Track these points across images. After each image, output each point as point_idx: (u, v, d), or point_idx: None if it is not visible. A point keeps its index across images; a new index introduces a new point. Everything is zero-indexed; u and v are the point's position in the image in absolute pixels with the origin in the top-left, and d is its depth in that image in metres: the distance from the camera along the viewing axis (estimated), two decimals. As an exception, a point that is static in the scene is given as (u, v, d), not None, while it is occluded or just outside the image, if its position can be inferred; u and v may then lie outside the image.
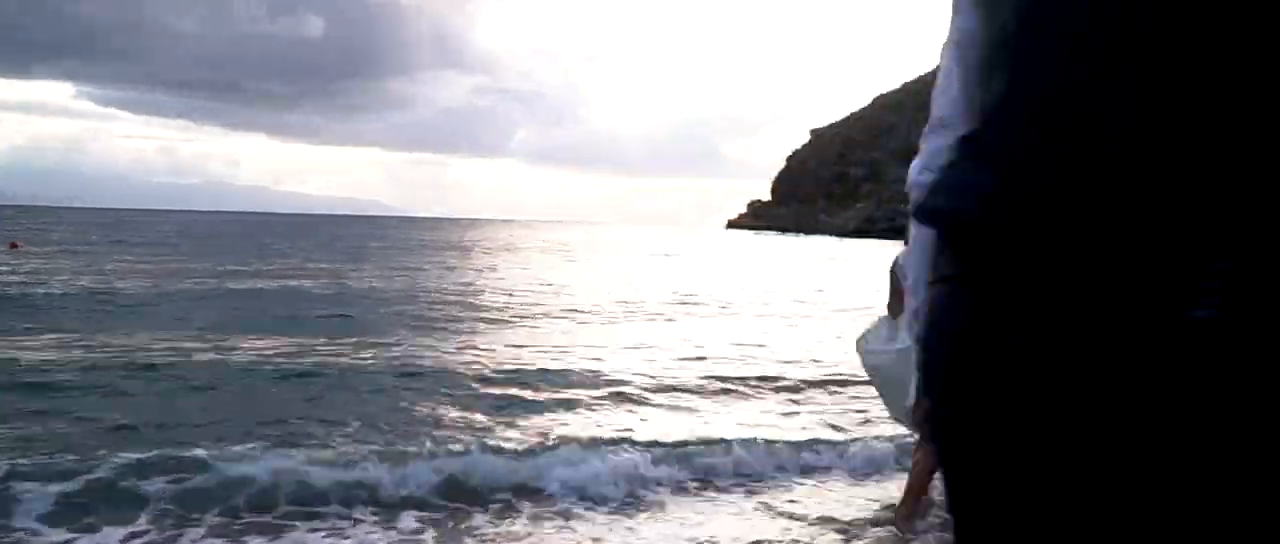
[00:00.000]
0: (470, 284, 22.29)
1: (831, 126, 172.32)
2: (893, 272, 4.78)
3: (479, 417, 7.27)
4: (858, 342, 4.93)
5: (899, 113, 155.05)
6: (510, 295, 19.01)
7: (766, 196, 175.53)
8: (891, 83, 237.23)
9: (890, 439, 6.24)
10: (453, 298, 18.17)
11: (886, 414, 5.20)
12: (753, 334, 13.44)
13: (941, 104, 1.32)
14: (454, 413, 7.33)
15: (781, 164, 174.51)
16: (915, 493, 4.71)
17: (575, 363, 10.11)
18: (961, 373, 1.11)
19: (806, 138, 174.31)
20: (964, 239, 1.11)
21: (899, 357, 4.35)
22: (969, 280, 1.10)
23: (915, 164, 1.31)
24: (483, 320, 14.49)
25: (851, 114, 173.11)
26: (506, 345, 11.69)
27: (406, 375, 8.88)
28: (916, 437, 4.83)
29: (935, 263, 1.22)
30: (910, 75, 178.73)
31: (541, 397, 8.15)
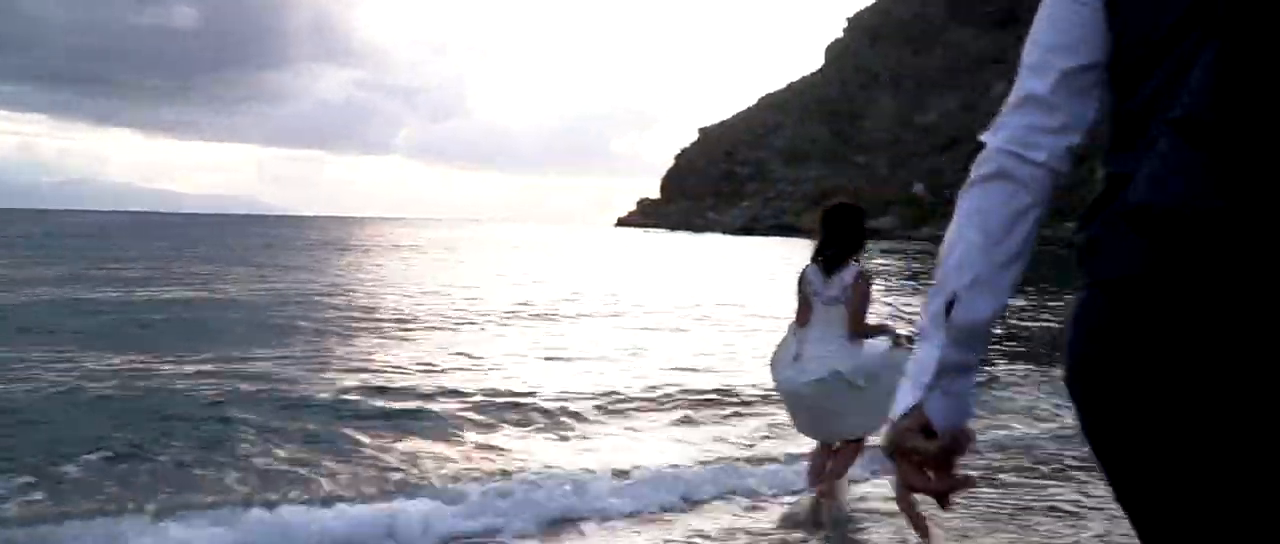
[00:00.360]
0: (339, 287, 20.86)
1: (719, 125, 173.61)
2: (800, 282, 4.90)
3: (319, 456, 6.05)
4: (772, 362, 5.01)
5: (784, 113, 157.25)
6: (380, 298, 17.82)
7: (656, 194, 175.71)
8: (777, 83, 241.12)
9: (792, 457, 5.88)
10: (312, 302, 16.81)
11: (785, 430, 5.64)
12: (646, 341, 12.70)
13: (1034, 83, 1.34)
14: (283, 449, 6.16)
15: (670, 162, 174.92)
16: (829, 496, 4.87)
17: (443, 379, 8.99)
18: (1166, 375, 1.04)
19: (695, 136, 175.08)
20: (1187, 236, 1.01)
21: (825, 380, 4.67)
22: (1175, 281, 1.04)
23: (999, 137, 1.35)
24: (342, 329, 13.19)
25: (738, 113, 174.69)
26: (373, 357, 10.59)
27: (232, 399, 7.68)
28: (818, 446, 5.13)
29: (1093, 264, 1.19)
30: (795, 76, 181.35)
31: (385, 423, 7.02)
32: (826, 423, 4.87)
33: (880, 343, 4.92)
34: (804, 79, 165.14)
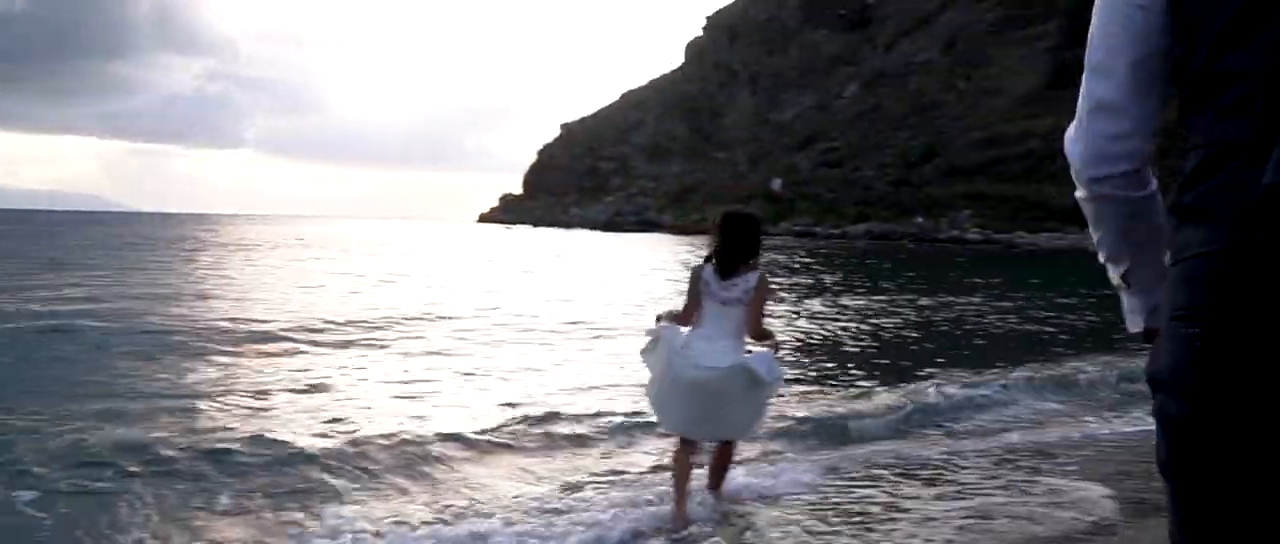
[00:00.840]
0: (163, 291, 18.90)
1: (581, 121, 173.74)
2: (695, 281, 4.92)
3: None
4: (644, 352, 5.04)
5: (645, 110, 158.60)
6: (220, 309, 16.29)
7: (518, 190, 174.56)
8: (638, 79, 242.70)
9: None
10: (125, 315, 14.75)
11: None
12: (512, 357, 11.25)
13: (1102, 88, 1.42)
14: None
15: (533, 157, 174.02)
16: (683, 494, 4.91)
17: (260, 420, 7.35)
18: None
19: (557, 132, 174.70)
20: None
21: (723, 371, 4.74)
22: None
23: (1081, 153, 1.45)
24: (163, 342, 11.53)
25: (600, 109, 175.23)
26: (185, 382, 9.04)
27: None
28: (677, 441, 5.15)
29: (1212, 230, 1.27)
30: (655, 73, 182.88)
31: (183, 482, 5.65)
32: (715, 417, 4.87)
33: (765, 349, 4.98)
34: (665, 76, 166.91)
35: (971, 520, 4.91)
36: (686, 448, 5.00)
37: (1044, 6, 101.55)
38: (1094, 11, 1.45)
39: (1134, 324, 1.61)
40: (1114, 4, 1.41)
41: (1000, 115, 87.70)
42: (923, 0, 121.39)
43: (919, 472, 6.02)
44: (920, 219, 73.96)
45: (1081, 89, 1.50)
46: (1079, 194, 1.53)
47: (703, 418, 4.88)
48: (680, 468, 4.95)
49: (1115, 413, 8.08)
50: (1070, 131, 1.51)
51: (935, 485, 5.70)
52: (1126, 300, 1.61)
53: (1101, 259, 1.60)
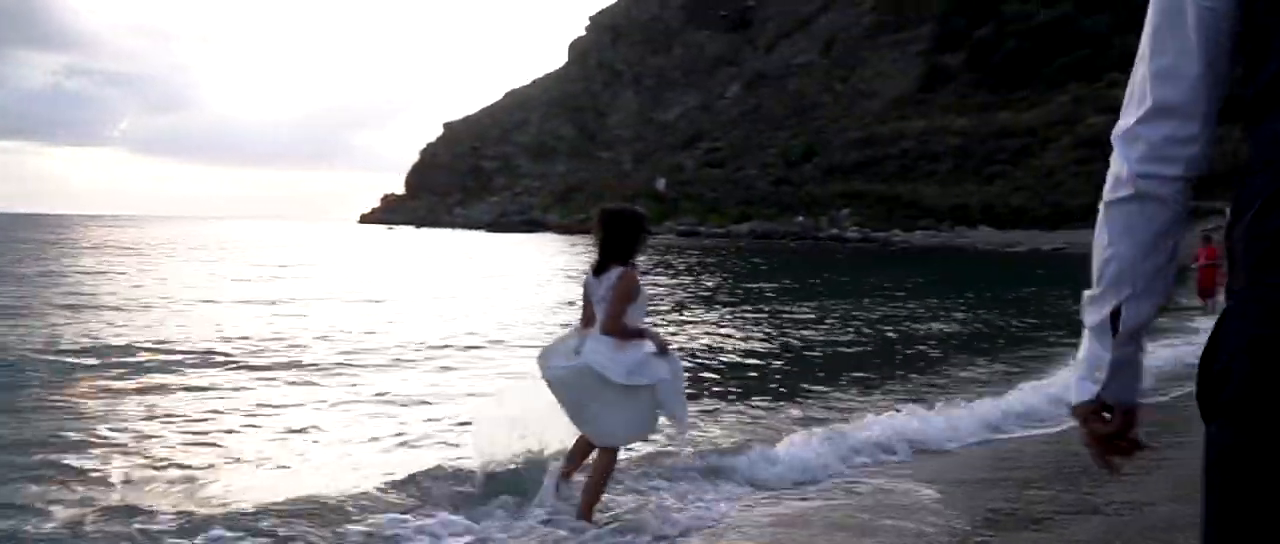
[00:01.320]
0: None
1: (465, 120, 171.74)
2: (585, 284, 4.95)
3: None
4: (541, 358, 4.95)
5: (529, 108, 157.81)
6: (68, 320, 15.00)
7: (400, 190, 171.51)
8: (522, 78, 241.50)
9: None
10: None
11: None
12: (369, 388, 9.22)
13: (1166, 91, 1.37)
14: None
15: (415, 157, 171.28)
16: (596, 492, 4.86)
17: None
18: None
19: (440, 131, 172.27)
20: None
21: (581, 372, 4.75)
22: None
23: (1136, 153, 1.39)
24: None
25: (484, 108, 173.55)
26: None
27: None
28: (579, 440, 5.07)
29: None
30: (539, 72, 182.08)
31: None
32: (581, 416, 4.83)
33: (642, 349, 4.82)
34: (549, 75, 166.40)
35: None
36: (583, 442, 5.02)
37: (916, 11, 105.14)
38: (1153, 12, 1.40)
39: (1083, 391, 1.45)
40: (1181, 6, 1.35)
41: (875, 116, 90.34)
42: (802, 3, 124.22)
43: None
44: (801, 218, 75.58)
45: (1137, 90, 1.43)
46: (1115, 195, 1.43)
47: (574, 416, 4.84)
48: (575, 447, 5.08)
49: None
50: (1121, 131, 1.44)
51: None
52: (1092, 351, 1.45)
53: (1095, 289, 1.45)
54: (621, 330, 4.74)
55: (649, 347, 4.85)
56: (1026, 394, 8.41)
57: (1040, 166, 70.46)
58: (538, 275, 30.04)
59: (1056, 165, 69.69)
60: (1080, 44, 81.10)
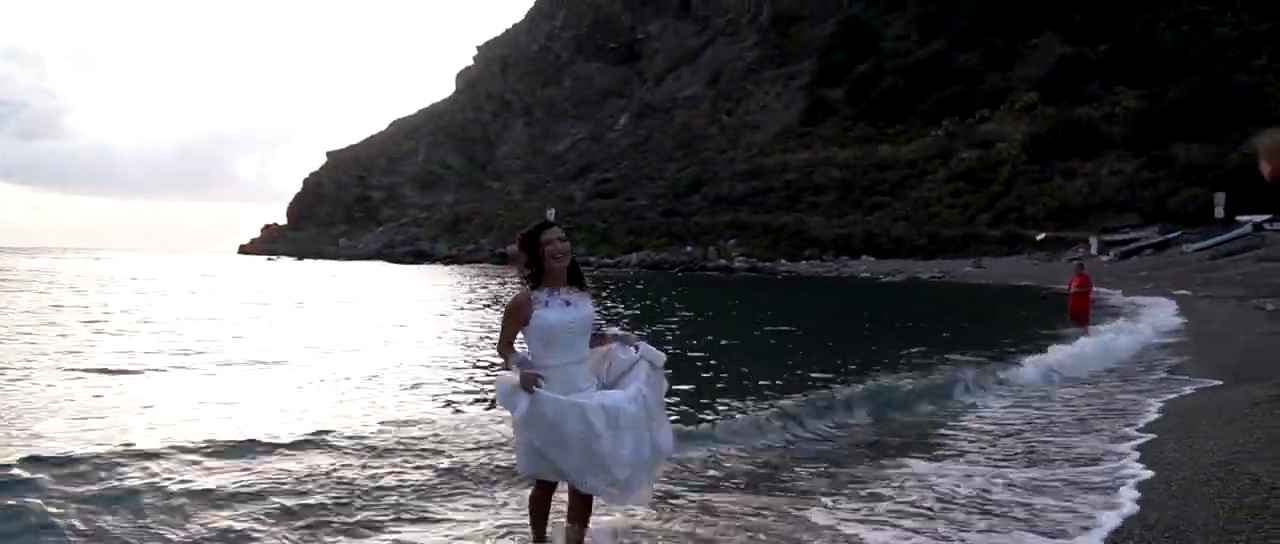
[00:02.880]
0: None
1: (349, 148, 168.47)
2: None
3: None
4: (537, 401, 4.42)
5: (416, 138, 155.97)
6: None
7: (283, 220, 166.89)
8: (408, 108, 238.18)
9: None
10: None
11: None
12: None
13: None
14: None
15: (298, 186, 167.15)
16: (541, 532, 4.67)
17: None
18: None
19: (323, 160, 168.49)
20: None
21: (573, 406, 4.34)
22: None
23: None
24: None
25: (369, 137, 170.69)
26: None
27: None
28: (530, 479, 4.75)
29: None
30: (427, 100, 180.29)
31: None
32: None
33: (510, 378, 4.39)
34: (436, 105, 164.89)
35: None
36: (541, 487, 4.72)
37: (798, 46, 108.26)
38: None
39: None
40: None
41: (761, 148, 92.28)
42: (688, 37, 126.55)
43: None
44: (690, 248, 76.36)
45: None
46: None
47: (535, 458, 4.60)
48: (536, 507, 4.72)
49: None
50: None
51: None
52: None
53: None
54: (501, 352, 4.53)
55: (511, 376, 4.39)
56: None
57: (918, 198, 72.94)
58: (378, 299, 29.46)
59: (932, 197, 72.26)
60: (954, 80, 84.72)
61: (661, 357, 4.56)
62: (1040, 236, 61.06)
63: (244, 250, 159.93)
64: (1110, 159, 66.10)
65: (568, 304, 4.42)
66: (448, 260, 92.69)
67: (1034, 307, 26.74)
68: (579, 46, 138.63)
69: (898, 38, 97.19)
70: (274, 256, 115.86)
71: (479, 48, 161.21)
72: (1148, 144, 64.03)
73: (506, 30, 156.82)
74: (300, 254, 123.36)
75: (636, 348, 4.55)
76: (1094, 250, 53.59)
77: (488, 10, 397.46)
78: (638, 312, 26.36)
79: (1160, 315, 21.10)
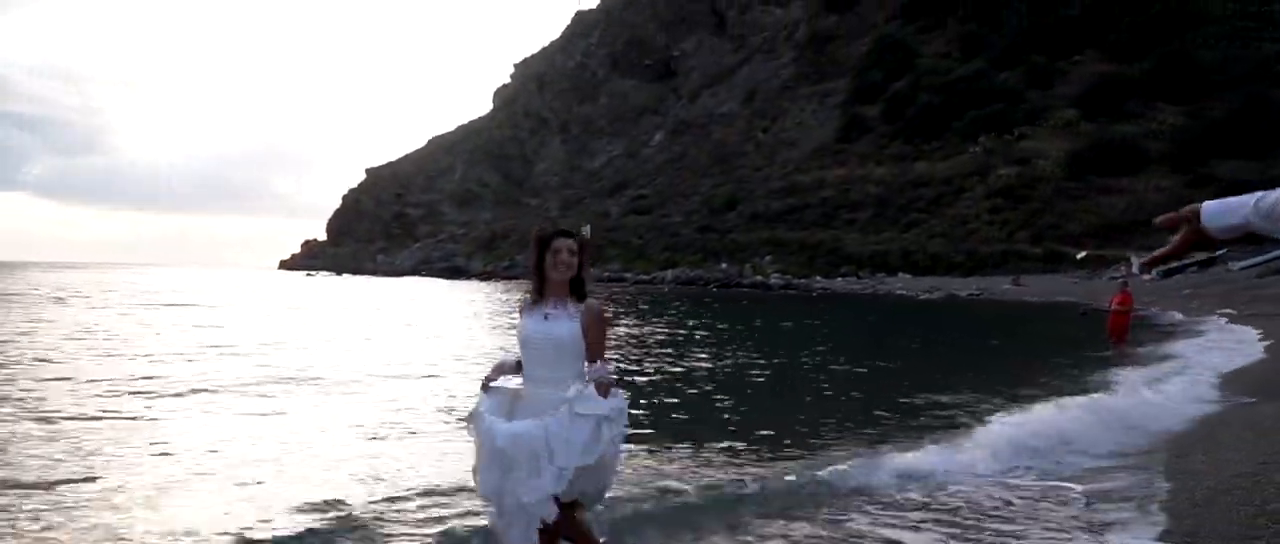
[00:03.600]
0: None
1: (388, 166, 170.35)
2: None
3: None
4: (474, 416, 4.32)
5: (454, 155, 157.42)
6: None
7: (322, 235, 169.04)
8: (446, 125, 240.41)
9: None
10: None
11: None
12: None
13: None
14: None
15: (335, 202, 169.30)
16: None
17: None
18: None
19: (363, 177, 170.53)
20: None
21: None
22: None
23: None
24: None
25: (407, 155, 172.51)
26: None
27: None
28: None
29: None
30: (464, 118, 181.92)
31: None
32: None
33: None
34: (474, 122, 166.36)
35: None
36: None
37: (834, 64, 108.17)
38: None
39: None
40: None
41: (796, 166, 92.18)
42: (724, 55, 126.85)
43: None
44: (725, 264, 76.35)
45: None
46: None
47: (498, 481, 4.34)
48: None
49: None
50: None
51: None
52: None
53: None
54: None
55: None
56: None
57: (955, 215, 72.48)
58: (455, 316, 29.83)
59: (970, 214, 71.78)
60: (993, 98, 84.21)
61: (604, 407, 4.10)
62: (1080, 255, 60.44)
63: (284, 266, 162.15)
64: (1151, 176, 65.39)
65: (546, 318, 4.26)
66: (483, 276, 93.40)
67: (1071, 324, 26.56)
68: (615, 64, 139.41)
69: (937, 56, 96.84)
70: (313, 273, 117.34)
71: (516, 66, 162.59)
72: (1189, 161, 63.28)
73: (543, 48, 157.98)
74: (339, 270, 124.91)
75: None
76: (1135, 269, 52.93)
77: (525, 29, 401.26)
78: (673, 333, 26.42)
79: (1227, 343, 18.28)
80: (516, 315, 4.41)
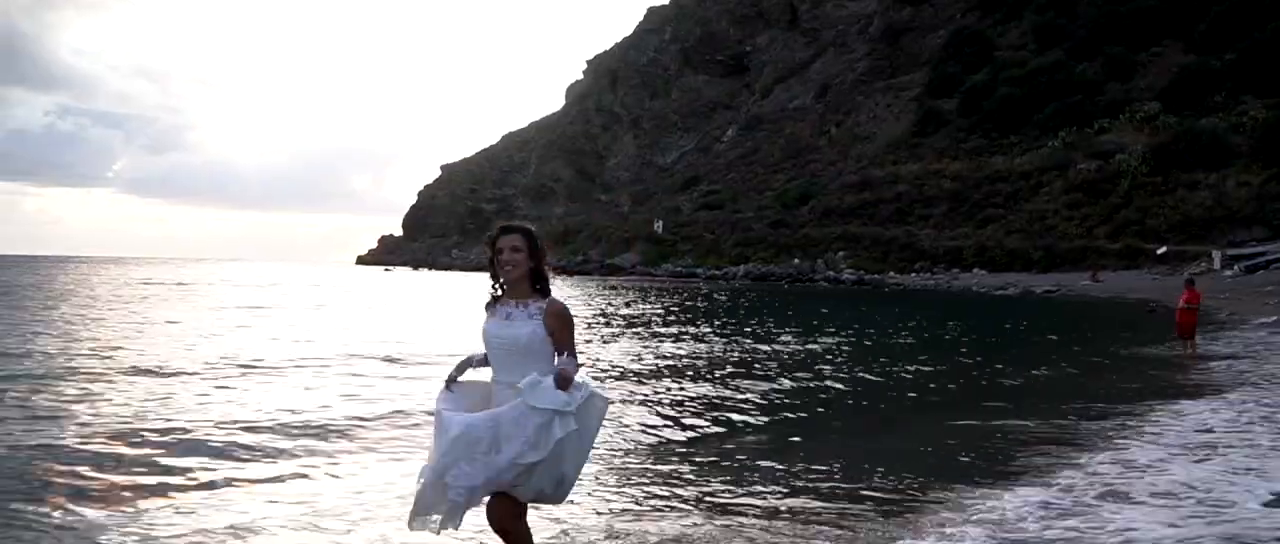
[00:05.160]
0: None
1: (462, 162, 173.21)
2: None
3: None
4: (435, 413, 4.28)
5: (527, 150, 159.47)
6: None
7: (397, 231, 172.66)
8: (520, 121, 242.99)
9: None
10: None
11: None
12: None
13: None
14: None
15: (408, 199, 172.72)
16: None
17: None
18: None
19: (437, 173, 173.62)
20: None
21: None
22: None
23: None
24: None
25: (481, 150, 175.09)
26: None
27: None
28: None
29: None
30: (537, 114, 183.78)
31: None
32: None
33: None
34: (547, 118, 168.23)
35: None
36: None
37: (909, 58, 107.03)
38: None
39: None
40: None
41: (870, 160, 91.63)
42: (797, 49, 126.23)
43: None
44: (797, 260, 76.36)
45: None
46: None
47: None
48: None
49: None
50: None
51: None
52: None
53: None
54: None
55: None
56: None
57: (1033, 210, 71.51)
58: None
59: (1048, 209, 70.76)
60: (1072, 90, 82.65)
61: (558, 400, 3.99)
62: (1161, 250, 59.33)
63: (362, 261, 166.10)
64: (1236, 171, 63.76)
65: (507, 318, 4.18)
66: (556, 271, 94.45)
67: (1141, 321, 26.69)
68: (687, 59, 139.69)
69: (1013, 48, 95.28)
70: (390, 268, 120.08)
71: (588, 62, 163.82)
72: (1276, 156, 61.54)
73: (615, 44, 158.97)
74: (415, 264, 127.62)
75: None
76: (1217, 264, 51.89)
77: (597, 25, 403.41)
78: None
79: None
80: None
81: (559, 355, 4.11)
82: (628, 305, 37.12)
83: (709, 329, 24.31)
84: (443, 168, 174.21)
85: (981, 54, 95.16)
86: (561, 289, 59.05)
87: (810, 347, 19.63)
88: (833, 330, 24.11)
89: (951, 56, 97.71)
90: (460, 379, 4.30)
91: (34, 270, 78.75)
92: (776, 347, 19.45)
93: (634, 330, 23.83)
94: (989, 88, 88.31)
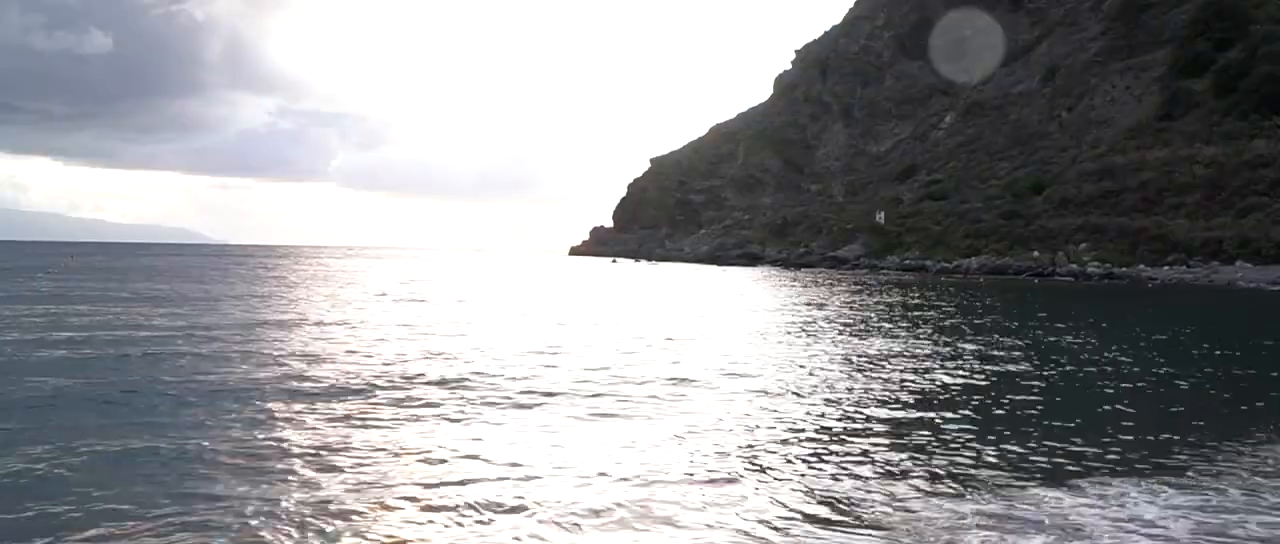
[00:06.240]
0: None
1: (671, 154, 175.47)
2: None
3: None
4: None
5: (735, 141, 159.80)
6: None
7: (606, 222, 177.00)
8: (727, 113, 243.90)
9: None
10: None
11: None
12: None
13: None
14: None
15: (617, 190, 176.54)
16: None
17: None
18: None
19: (646, 165, 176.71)
20: None
21: None
22: None
23: None
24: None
25: (690, 142, 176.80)
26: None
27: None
28: None
29: None
30: (745, 105, 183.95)
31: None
32: None
33: None
34: (754, 109, 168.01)
35: None
36: None
37: (1150, 35, 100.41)
38: None
39: None
40: None
41: (1110, 146, 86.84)
42: (1019, 31, 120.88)
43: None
44: (1035, 252, 73.40)
45: None
46: None
47: None
48: None
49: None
50: None
51: None
52: None
53: None
54: None
55: None
56: None
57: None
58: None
59: (1323, 196, 65.21)
60: (1345, 65, 75.66)
61: None
62: None
63: (574, 251, 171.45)
64: None
65: None
66: (776, 263, 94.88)
67: None
68: (902, 46, 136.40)
69: (1272, 21, 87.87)
70: (616, 260, 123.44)
71: (797, 51, 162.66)
72: None
73: (824, 33, 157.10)
74: (629, 256, 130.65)
75: None
76: None
77: (805, 15, 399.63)
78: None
79: None
80: None
81: None
82: (920, 308, 36.55)
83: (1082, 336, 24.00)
84: (651, 160, 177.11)
85: (1237, 28, 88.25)
86: (803, 282, 59.00)
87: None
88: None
89: (1201, 32, 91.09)
90: None
91: (296, 258, 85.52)
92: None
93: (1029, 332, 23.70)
94: (1246, 65, 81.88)
